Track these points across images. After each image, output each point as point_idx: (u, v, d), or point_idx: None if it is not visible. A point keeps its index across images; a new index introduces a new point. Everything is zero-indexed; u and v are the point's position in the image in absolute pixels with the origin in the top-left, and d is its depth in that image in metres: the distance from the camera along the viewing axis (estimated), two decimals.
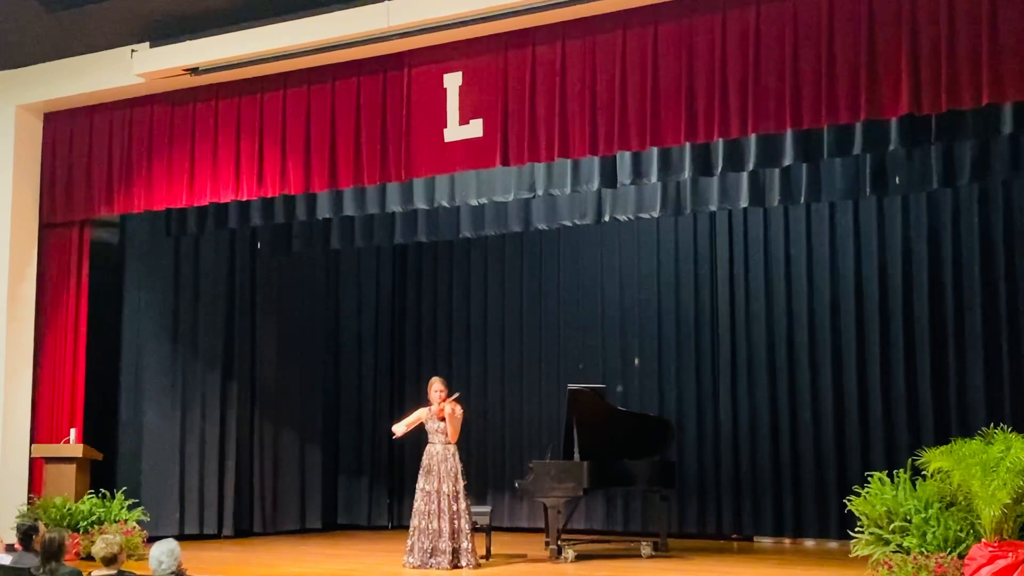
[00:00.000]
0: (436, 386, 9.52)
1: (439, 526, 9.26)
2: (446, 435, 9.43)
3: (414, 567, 9.29)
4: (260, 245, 12.83)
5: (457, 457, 9.45)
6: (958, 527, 7.57)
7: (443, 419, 9.41)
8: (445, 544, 9.22)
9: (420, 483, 9.44)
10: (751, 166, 9.26)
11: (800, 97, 8.12)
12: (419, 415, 9.58)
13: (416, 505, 9.41)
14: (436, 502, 9.30)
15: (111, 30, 10.54)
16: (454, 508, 9.29)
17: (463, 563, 9.25)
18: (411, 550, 9.37)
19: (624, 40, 8.78)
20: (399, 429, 9.71)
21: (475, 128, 9.27)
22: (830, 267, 11.67)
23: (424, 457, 9.49)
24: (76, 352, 11.28)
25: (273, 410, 13.11)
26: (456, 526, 9.28)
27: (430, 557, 9.25)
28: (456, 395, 9.55)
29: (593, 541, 11.36)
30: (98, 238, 11.88)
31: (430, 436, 9.52)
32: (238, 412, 12.72)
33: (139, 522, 10.46)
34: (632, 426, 10.51)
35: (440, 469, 9.37)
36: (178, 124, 10.65)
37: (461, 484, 9.39)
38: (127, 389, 12.06)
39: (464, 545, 9.28)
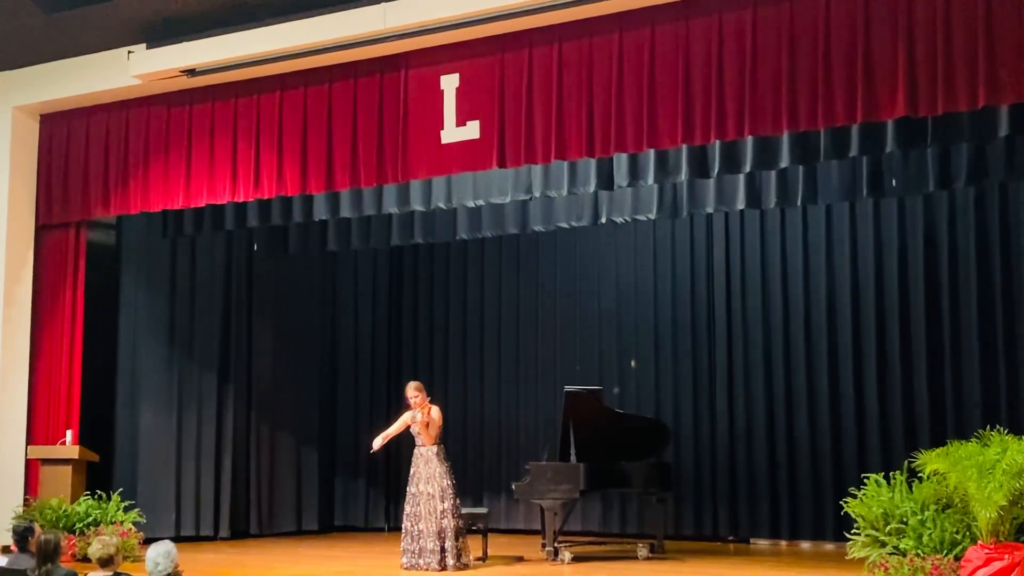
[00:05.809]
0: (410, 392, 9.54)
1: (424, 527, 9.30)
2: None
3: (405, 568, 9.35)
4: (256, 247, 12.80)
5: (441, 457, 9.48)
6: (954, 529, 7.58)
7: (427, 422, 9.45)
8: (433, 544, 9.26)
9: (408, 485, 9.51)
10: (747, 168, 9.27)
11: (796, 99, 8.13)
12: (404, 420, 9.62)
13: (404, 507, 9.49)
14: (420, 503, 9.34)
15: (108, 31, 10.54)
16: (439, 509, 9.31)
17: (450, 563, 9.27)
18: (403, 551, 9.43)
19: (621, 42, 8.79)
20: (377, 443, 9.71)
21: (472, 130, 9.28)
22: (826, 269, 11.66)
23: (412, 460, 9.54)
24: (72, 354, 11.27)
25: (269, 411, 13.08)
26: (442, 526, 9.30)
27: (418, 558, 9.31)
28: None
29: (590, 543, 11.36)
30: (94, 239, 11.87)
31: (416, 439, 9.57)
32: (234, 413, 12.69)
33: (135, 524, 10.46)
34: (629, 428, 10.51)
35: (423, 471, 9.42)
36: (174, 125, 10.65)
37: (447, 483, 9.41)
38: (123, 391, 12.06)
39: (448, 545, 9.30)
